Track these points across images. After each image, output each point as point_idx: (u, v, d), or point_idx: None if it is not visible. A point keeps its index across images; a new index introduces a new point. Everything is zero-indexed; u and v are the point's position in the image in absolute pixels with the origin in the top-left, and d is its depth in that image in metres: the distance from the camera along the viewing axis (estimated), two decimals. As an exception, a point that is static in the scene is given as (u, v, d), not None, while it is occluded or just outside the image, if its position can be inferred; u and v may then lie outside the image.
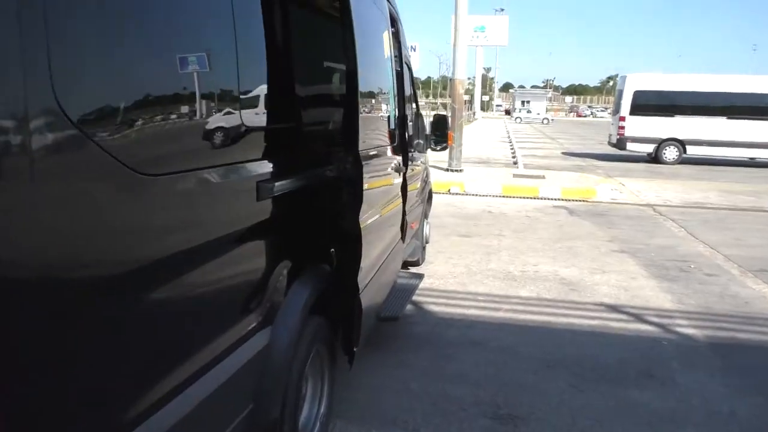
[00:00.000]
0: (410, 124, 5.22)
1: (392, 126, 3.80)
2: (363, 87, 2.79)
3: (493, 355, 4.10)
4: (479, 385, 3.64)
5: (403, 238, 4.34)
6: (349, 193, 2.62)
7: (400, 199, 4.03)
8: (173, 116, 1.66)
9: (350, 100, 2.63)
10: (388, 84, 3.69)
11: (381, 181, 3.33)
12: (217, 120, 1.88)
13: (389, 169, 3.60)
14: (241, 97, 2.00)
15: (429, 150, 6.06)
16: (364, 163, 2.67)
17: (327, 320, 2.71)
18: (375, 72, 3.29)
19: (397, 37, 4.57)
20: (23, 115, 1.13)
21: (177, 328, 1.73)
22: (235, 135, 1.99)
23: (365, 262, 2.80)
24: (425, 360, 4.01)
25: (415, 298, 4.79)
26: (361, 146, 2.71)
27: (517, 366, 3.95)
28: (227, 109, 1.95)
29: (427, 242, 6.57)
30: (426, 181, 6.36)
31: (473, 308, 5.09)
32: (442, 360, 4.01)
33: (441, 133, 6.08)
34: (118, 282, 1.44)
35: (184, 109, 1.71)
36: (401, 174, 3.99)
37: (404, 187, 4.20)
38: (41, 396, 1.23)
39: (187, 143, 1.74)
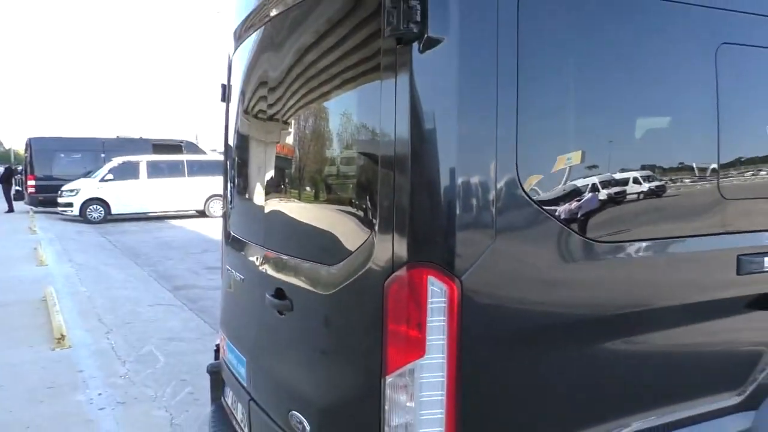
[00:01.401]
0: None
1: None
2: None
3: None
4: None
5: None
6: None
7: None
8: (628, 191, 1.86)
9: None
10: None
11: None
12: (679, 191, 1.95)
13: None
14: (720, 165, 1.98)
15: None
16: None
17: None
18: None
19: None
20: (495, 197, 1.62)
21: (631, 378, 1.91)
22: (705, 206, 2.00)
23: None
24: None
25: None
26: None
27: None
28: (696, 180, 1.99)
29: None
30: None
31: None
32: None
33: None
34: (565, 328, 1.77)
35: (634, 183, 1.87)
36: None
37: None
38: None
39: (645, 214, 1.90)
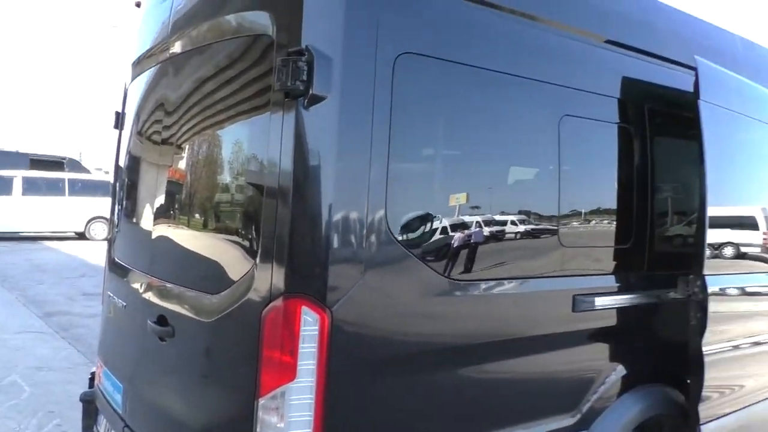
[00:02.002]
0: None
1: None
2: (724, 202, 2.67)
3: None
4: None
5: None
6: (692, 317, 2.52)
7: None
8: (482, 235, 2.13)
9: (699, 220, 2.58)
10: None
11: (756, 308, 2.99)
12: (527, 237, 2.27)
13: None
14: (559, 216, 2.32)
15: None
16: (720, 286, 2.56)
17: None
18: (751, 185, 3.03)
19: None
20: (366, 235, 1.82)
21: (485, 400, 2.16)
22: (548, 251, 2.32)
23: (718, 392, 2.61)
24: None
25: None
26: (720, 268, 2.61)
27: None
28: (541, 228, 2.31)
29: None
30: None
31: None
32: None
33: None
34: (426, 357, 1.99)
35: (488, 229, 2.16)
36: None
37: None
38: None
39: (496, 257, 2.19)
